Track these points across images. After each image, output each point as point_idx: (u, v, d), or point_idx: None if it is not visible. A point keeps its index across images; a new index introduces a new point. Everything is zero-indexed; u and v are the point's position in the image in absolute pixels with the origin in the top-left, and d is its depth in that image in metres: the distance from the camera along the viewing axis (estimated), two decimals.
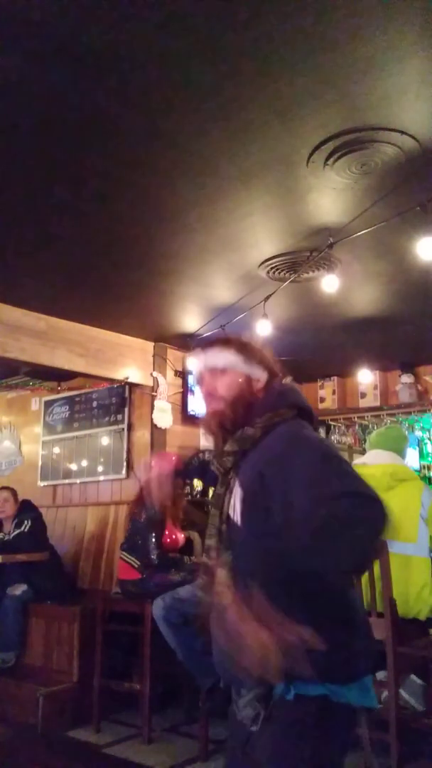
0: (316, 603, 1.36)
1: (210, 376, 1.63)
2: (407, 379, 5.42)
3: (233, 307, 4.05)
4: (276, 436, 1.49)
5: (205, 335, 4.50)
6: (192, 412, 5.07)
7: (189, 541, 4.13)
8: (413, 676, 3.22)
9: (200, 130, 2.33)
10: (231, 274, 3.65)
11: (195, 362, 1.70)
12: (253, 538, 1.45)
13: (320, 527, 1.24)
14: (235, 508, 1.51)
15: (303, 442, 1.45)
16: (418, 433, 5.62)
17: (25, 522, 4.76)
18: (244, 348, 1.64)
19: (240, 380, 1.60)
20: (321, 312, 4.21)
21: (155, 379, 4.95)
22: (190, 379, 5.01)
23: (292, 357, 5.11)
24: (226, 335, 1.74)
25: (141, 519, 3.92)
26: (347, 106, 2.21)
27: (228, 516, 1.52)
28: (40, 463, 5.84)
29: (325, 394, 5.98)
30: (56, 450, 5.74)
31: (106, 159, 2.53)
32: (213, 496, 1.61)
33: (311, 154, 2.48)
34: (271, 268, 3.53)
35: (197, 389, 1.69)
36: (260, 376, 1.62)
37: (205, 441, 5.06)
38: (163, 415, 4.93)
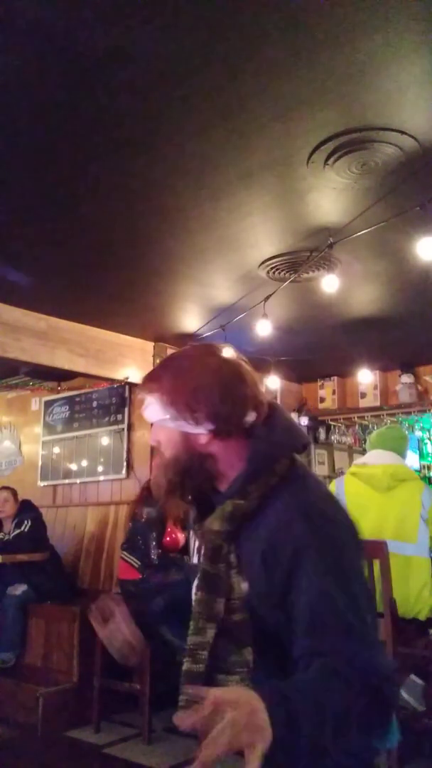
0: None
1: (157, 430, 1.22)
2: (407, 379, 5.42)
3: (233, 307, 4.05)
4: (279, 514, 1.12)
5: (204, 335, 4.51)
6: None
7: (189, 542, 4.14)
8: (413, 676, 3.21)
9: (200, 131, 2.33)
10: (231, 274, 3.64)
11: (142, 395, 1.25)
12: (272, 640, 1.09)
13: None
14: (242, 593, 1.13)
15: (319, 526, 1.10)
16: (418, 433, 5.62)
17: (25, 522, 4.76)
18: (172, 391, 1.17)
19: (177, 437, 1.19)
20: (321, 312, 4.21)
21: None
22: None
23: (292, 357, 5.13)
24: (163, 364, 1.26)
25: (142, 519, 3.92)
26: (347, 106, 2.21)
27: (244, 601, 1.12)
28: (40, 463, 5.84)
29: (325, 394, 5.99)
30: (56, 450, 5.75)
31: (105, 159, 2.53)
32: (202, 576, 1.16)
33: (311, 154, 2.48)
34: (271, 268, 3.53)
35: None
36: (205, 427, 1.16)
37: None
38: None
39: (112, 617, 1.42)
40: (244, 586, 1.13)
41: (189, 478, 1.19)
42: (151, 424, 1.24)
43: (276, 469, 1.16)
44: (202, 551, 1.19)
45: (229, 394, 1.16)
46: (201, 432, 1.16)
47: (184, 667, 1.16)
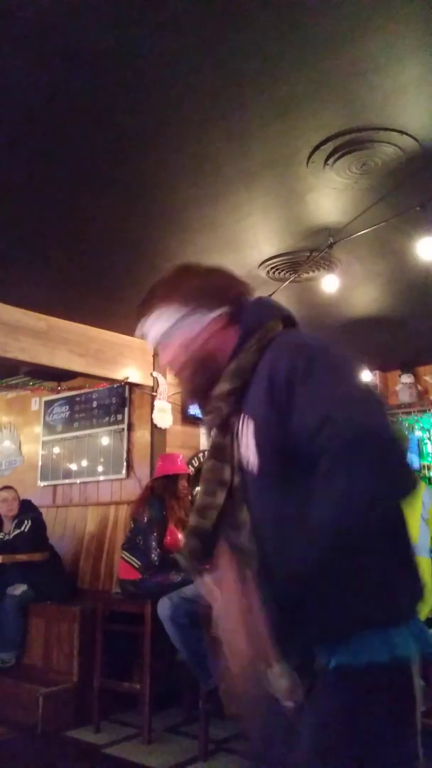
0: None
1: (162, 349, 1.35)
2: (407, 379, 5.42)
3: None
4: (278, 349, 1.20)
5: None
6: (192, 413, 5.08)
7: None
8: None
9: (200, 131, 2.33)
10: None
11: (141, 328, 1.39)
12: (278, 481, 1.14)
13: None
14: (248, 447, 1.19)
15: (317, 348, 1.19)
16: (418, 433, 5.62)
17: (25, 522, 4.76)
18: (180, 292, 1.32)
19: (196, 333, 1.29)
20: (321, 312, 4.21)
21: (155, 379, 4.95)
22: None
23: None
24: (152, 290, 1.38)
25: (143, 520, 3.92)
26: (347, 106, 2.21)
27: (240, 466, 1.21)
28: (40, 463, 5.84)
29: None
30: (56, 450, 5.75)
31: (105, 159, 2.53)
32: (212, 447, 1.28)
33: (311, 154, 2.48)
34: (271, 268, 3.53)
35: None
36: (219, 310, 1.30)
37: (205, 441, 5.06)
38: (163, 415, 4.93)
39: None
40: (239, 451, 1.21)
41: (217, 358, 1.28)
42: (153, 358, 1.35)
43: (268, 326, 1.26)
44: (214, 431, 1.28)
45: (220, 277, 1.35)
46: (221, 312, 1.29)
47: (191, 522, 1.26)
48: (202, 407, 1.34)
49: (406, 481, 1.04)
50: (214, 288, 1.33)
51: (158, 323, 1.32)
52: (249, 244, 3.26)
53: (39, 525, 4.85)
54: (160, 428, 4.93)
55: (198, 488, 1.42)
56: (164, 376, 5.00)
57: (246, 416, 1.21)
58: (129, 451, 5.09)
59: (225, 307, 1.31)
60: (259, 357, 1.22)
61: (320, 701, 1.10)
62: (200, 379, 1.31)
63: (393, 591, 1.13)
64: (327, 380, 1.12)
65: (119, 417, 5.22)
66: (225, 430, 1.26)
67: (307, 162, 2.52)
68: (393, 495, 1.04)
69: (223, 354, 1.27)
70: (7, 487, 4.98)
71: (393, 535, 1.14)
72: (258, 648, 1.07)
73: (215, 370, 1.27)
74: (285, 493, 1.13)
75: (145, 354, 4.96)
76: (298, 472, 1.09)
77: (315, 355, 1.17)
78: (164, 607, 3.42)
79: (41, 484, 5.76)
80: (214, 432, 1.29)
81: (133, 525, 4.03)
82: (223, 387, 1.25)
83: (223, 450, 1.25)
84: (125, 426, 5.14)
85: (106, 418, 5.33)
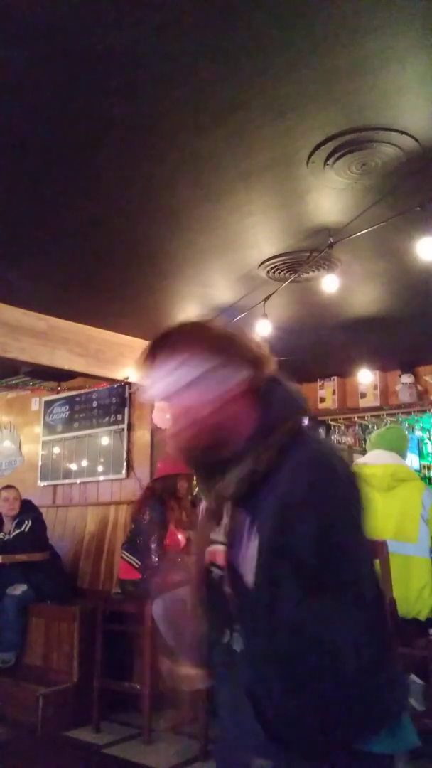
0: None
1: (176, 396, 1.17)
2: (407, 379, 5.41)
3: (233, 307, 4.05)
4: (295, 468, 1.11)
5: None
6: None
7: (190, 543, 4.14)
8: (413, 676, 3.21)
9: (200, 131, 2.33)
10: (231, 274, 3.64)
11: (144, 378, 1.21)
12: (271, 607, 1.05)
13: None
14: (246, 562, 1.10)
15: (327, 488, 1.10)
16: (418, 433, 5.62)
17: (26, 522, 4.77)
18: (209, 341, 1.17)
19: (219, 390, 1.15)
20: (321, 312, 4.21)
21: None
22: None
23: (292, 357, 5.12)
24: (180, 328, 1.21)
25: (144, 520, 3.92)
26: (347, 106, 2.21)
27: (234, 578, 1.11)
28: (40, 463, 5.84)
29: (325, 394, 5.98)
30: (56, 450, 5.75)
31: (105, 159, 2.53)
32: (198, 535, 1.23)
33: (311, 155, 2.48)
34: (271, 268, 3.53)
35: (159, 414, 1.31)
36: (244, 373, 1.17)
37: None
38: (163, 415, 4.92)
39: None
40: (241, 562, 1.12)
41: (232, 430, 1.16)
42: (153, 409, 1.26)
43: (286, 428, 1.15)
44: (225, 525, 1.16)
45: (250, 341, 1.21)
46: (245, 376, 1.16)
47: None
48: (197, 474, 1.24)
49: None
50: (243, 345, 1.20)
51: (179, 372, 1.15)
52: (249, 244, 3.26)
53: (39, 525, 4.85)
54: (160, 428, 4.92)
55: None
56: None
57: (254, 527, 1.11)
58: (129, 451, 5.09)
59: (249, 371, 1.18)
60: (277, 460, 1.12)
61: None
62: (204, 449, 1.18)
63: (382, 705, 1.10)
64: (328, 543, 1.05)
65: (119, 417, 5.22)
66: (229, 516, 1.15)
67: (307, 162, 2.52)
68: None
69: (236, 430, 1.16)
70: (9, 487, 4.98)
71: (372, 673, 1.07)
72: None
73: (223, 444, 1.16)
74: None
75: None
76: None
77: (324, 493, 1.09)
78: (159, 607, 3.42)
79: (41, 484, 5.76)
80: (204, 516, 1.22)
81: (133, 525, 4.03)
82: (230, 488, 1.14)
83: (231, 537, 1.15)
84: (125, 426, 5.14)
85: (106, 418, 5.33)
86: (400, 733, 1.13)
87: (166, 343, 1.19)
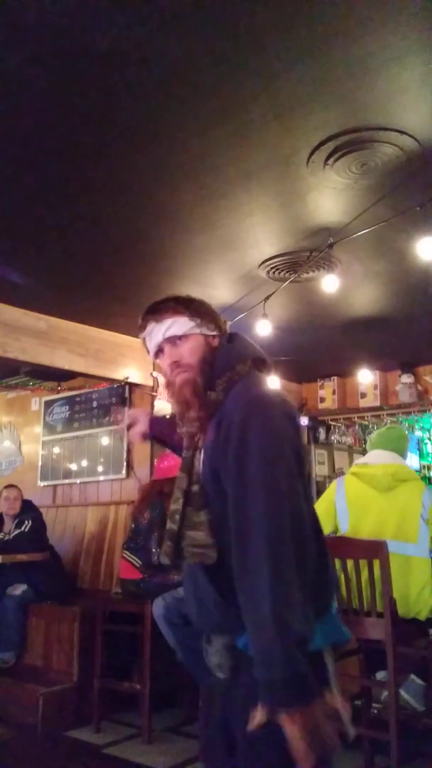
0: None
1: (170, 346, 1.57)
2: (407, 379, 5.42)
3: (233, 307, 4.05)
4: (233, 400, 1.44)
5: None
6: None
7: None
8: (413, 676, 3.21)
9: (200, 131, 2.33)
10: (231, 274, 3.65)
11: (148, 335, 1.62)
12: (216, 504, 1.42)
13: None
14: (200, 470, 1.49)
15: (257, 421, 1.36)
16: (418, 433, 5.63)
17: (26, 522, 4.77)
18: (195, 307, 1.58)
19: (201, 342, 1.56)
20: (321, 312, 4.21)
21: (155, 379, 4.94)
22: None
23: (292, 357, 5.13)
24: (174, 297, 1.62)
25: (144, 520, 3.92)
26: (347, 106, 2.21)
27: (199, 477, 1.47)
28: (40, 463, 5.84)
29: (325, 394, 5.99)
30: (56, 450, 5.75)
31: (105, 160, 2.53)
32: (182, 459, 1.55)
33: (311, 154, 2.48)
34: (271, 268, 3.53)
35: (158, 362, 1.66)
36: (214, 331, 1.58)
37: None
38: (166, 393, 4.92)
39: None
40: (200, 465, 1.48)
41: (209, 373, 1.51)
42: (159, 350, 1.60)
43: (237, 369, 1.49)
44: (184, 443, 1.55)
45: (212, 310, 1.61)
46: (214, 334, 1.58)
47: (167, 527, 1.49)
48: (180, 419, 1.55)
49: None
50: (212, 312, 1.61)
51: (172, 328, 1.56)
52: (249, 244, 3.26)
53: (39, 525, 4.85)
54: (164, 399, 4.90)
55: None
56: (164, 376, 4.99)
57: (203, 446, 1.48)
58: (129, 451, 5.09)
59: (216, 330, 1.59)
60: (224, 396, 1.47)
61: (242, 678, 1.36)
62: (201, 380, 1.51)
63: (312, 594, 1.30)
64: (251, 463, 1.32)
65: (119, 417, 5.22)
66: (191, 445, 1.52)
67: (307, 162, 2.52)
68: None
69: (207, 373, 1.52)
70: (11, 486, 4.99)
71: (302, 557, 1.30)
72: None
73: (200, 383, 1.50)
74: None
75: (145, 354, 4.93)
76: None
77: (253, 427, 1.36)
78: (158, 607, 3.42)
79: (41, 484, 5.76)
80: (185, 444, 1.55)
81: (133, 526, 4.03)
82: (193, 413, 1.50)
83: (187, 463, 1.51)
84: (125, 426, 5.14)
85: (106, 418, 5.33)
86: (327, 629, 1.36)
87: (158, 309, 1.60)
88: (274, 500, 1.28)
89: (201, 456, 1.49)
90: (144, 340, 1.65)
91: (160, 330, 1.57)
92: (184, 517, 1.45)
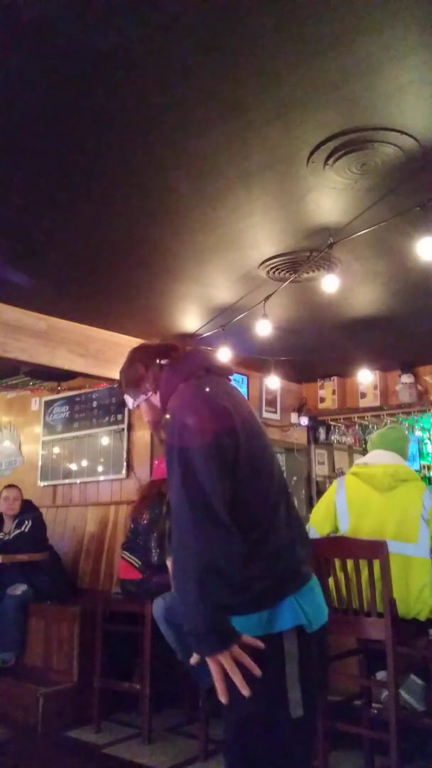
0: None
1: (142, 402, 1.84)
2: (407, 379, 5.42)
3: (233, 307, 4.06)
4: (171, 405, 1.65)
5: (204, 335, 4.51)
6: None
7: None
8: (413, 676, 3.21)
9: (200, 131, 2.33)
10: (231, 274, 3.65)
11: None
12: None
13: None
14: None
15: (175, 422, 1.54)
16: (418, 433, 5.62)
17: (26, 522, 4.77)
18: (129, 380, 1.83)
19: (146, 405, 1.81)
20: (321, 312, 4.21)
21: None
22: None
23: (292, 357, 5.13)
24: (121, 371, 1.91)
25: (143, 521, 3.92)
26: (347, 106, 2.21)
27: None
28: (40, 463, 5.84)
29: (325, 394, 5.99)
30: (56, 450, 5.74)
31: (105, 159, 2.53)
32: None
33: (311, 155, 2.48)
34: (271, 268, 3.53)
35: None
36: (151, 388, 1.78)
37: None
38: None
39: None
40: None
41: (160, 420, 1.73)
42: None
43: (179, 389, 1.64)
44: None
45: (145, 363, 1.81)
46: (152, 388, 1.77)
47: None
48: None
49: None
50: (143, 367, 1.80)
51: (128, 403, 1.88)
52: (249, 244, 3.26)
53: (39, 525, 4.85)
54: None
55: None
56: None
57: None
58: (129, 451, 5.09)
59: (153, 378, 1.77)
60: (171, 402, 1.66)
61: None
62: (158, 416, 1.76)
63: (265, 584, 1.50)
64: (175, 471, 1.46)
65: (119, 417, 5.22)
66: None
67: (307, 162, 2.52)
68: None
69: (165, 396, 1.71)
70: (11, 486, 4.99)
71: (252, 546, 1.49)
72: None
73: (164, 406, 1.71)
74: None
75: None
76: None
77: (175, 441, 1.50)
78: (158, 607, 3.42)
79: (41, 484, 5.76)
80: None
81: (132, 526, 4.03)
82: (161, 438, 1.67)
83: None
84: (125, 426, 5.14)
85: (106, 418, 5.33)
86: (285, 614, 1.49)
87: (120, 387, 1.90)
88: (189, 480, 1.42)
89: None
90: None
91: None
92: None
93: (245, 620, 1.48)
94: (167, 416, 1.64)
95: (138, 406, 1.84)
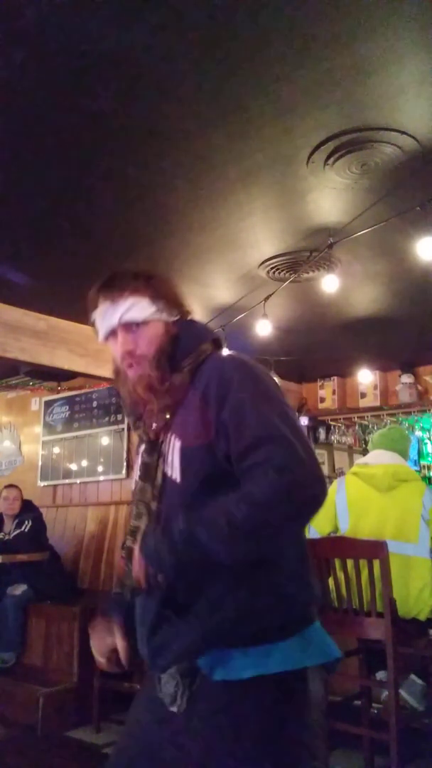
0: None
1: (125, 332, 1.35)
2: (407, 379, 5.42)
3: (233, 307, 4.05)
4: (209, 370, 1.30)
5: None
6: None
7: None
8: (413, 676, 3.21)
9: (200, 131, 2.33)
10: (231, 274, 3.64)
11: (100, 315, 1.39)
12: (196, 490, 1.24)
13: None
14: (173, 466, 1.28)
15: (244, 365, 1.29)
16: (418, 433, 5.62)
17: (26, 522, 4.77)
18: (158, 287, 1.39)
19: (160, 331, 1.36)
20: (321, 312, 4.21)
21: None
22: None
23: (292, 357, 5.13)
24: (134, 273, 1.42)
25: None
26: (347, 106, 2.21)
27: (163, 488, 1.29)
28: (40, 463, 5.84)
29: (325, 394, 5.99)
30: (56, 450, 5.75)
31: (105, 159, 2.53)
32: (140, 466, 1.37)
33: (311, 154, 2.48)
34: (271, 268, 3.53)
35: (110, 348, 1.41)
36: (174, 315, 1.39)
37: None
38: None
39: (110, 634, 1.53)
40: (169, 469, 1.28)
41: (167, 363, 1.34)
42: (111, 333, 1.38)
43: (202, 349, 1.36)
44: (143, 447, 1.38)
45: (175, 291, 1.44)
46: (175, 318, 1.39)
47: (127, 543, 1.35)
48: (136, 415, 1.39)
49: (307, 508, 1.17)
50: (176, 293, 1.43)
51: (130, 311, 1.35)
52: (249, 244, 3.26)
53: (39, 525, 4.85)
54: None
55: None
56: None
57: (174, 435, 1.29)
58: (129, 451, 5.09)
59: (177, 316, 1.41)
60: (191, 377, 1.31)
61: (201, 709, 1.20)
62: (158, 374, 1.33)
63: (289, 603, 1.22)
64: (257, 403, 1.21)
65: (119, 417, 5.22)
66: (153, 448, 1.34)
67: (307, 162, 2.52)
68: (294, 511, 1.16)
69: (167, 359, 1.35)
70: (11, 486, 4.99)
71: (292, 545, 1.24)
72: None
73: (166, 366, 1.34)
74: (201, 506, 1.19)
75: None
76: (217, 488, 1.19)
77: (245, 372, 1.27)
78: None
79: (41, 484, 5.76)
80: (143, 448, 1.39)
81: None
82: (158, 405, 1.32)
83: (150, 470, 1.33)
84: (125, 426, 5.14)
85: (106, 418, 5.33)
86: (311, 644, 1.21)
87: (114, 286, 1.40)
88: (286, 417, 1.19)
89: (170, 457, 1.30)
90: (94, 320, 1.41)
91: (116, 311, 1.35)
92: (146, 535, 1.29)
93: (286, 647, 1.18)
94: (214, 367, 1.30)
95: (133, 328, 1.35)
